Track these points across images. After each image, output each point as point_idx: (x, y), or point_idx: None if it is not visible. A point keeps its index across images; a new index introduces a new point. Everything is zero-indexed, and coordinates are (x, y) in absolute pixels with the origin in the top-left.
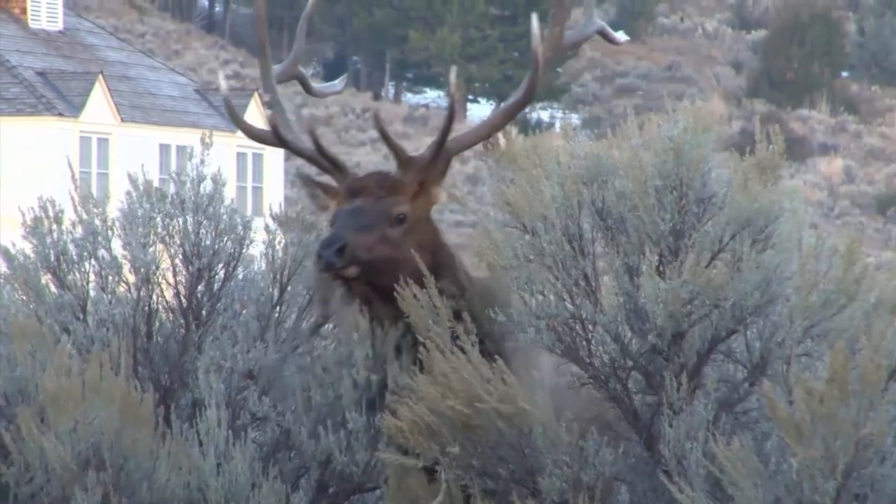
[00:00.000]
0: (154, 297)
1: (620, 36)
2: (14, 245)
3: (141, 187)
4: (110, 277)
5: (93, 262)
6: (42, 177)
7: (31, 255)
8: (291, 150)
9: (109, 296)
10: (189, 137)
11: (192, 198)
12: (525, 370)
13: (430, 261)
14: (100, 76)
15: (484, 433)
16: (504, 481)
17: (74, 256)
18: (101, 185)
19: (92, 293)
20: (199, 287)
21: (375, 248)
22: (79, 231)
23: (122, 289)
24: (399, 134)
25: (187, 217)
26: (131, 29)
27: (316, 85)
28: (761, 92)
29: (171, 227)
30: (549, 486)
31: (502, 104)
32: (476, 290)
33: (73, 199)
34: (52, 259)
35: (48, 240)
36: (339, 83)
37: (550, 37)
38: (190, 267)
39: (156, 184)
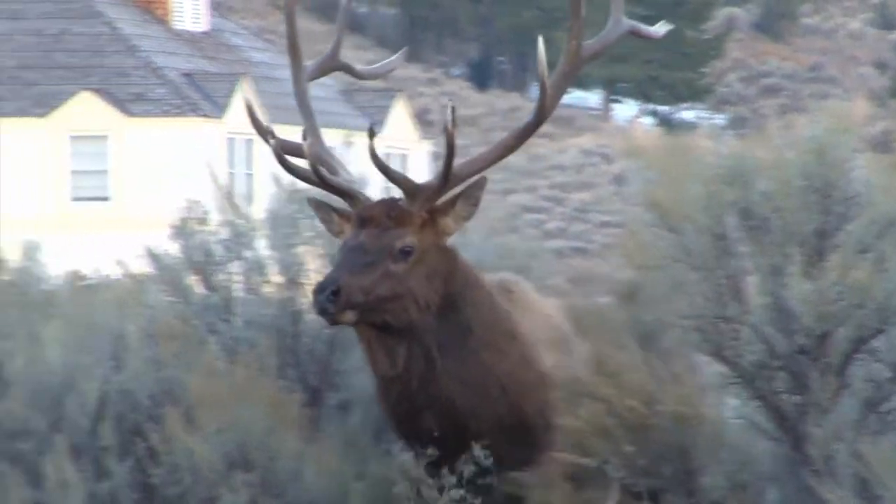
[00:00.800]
0: (300, 297)
1: (658, 29)
2: (160, 246)
3: (285, 188)
4: (256, 278)
5: (239, 262)
6: (188, 178)
7: (178, 256)
8: (300, 179)
9: (255, 296)
10: (333, 138)
11: (338, 199)
12: None
13: (442, 290)
14: (245, 77)
15: (657, 433)
16: (665, 480)
17: (220, 257)
18: (246, 186)
19: (238, 294)
20: None
21: (375, 288)
22: (225, 232)
23: (267, 289)
24: (544, 133)
25: None
26: (275, 30)
27: (363, 67)
28: None
29: (316, 229)
30: (709, 486)
31: (517, 126)
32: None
33: (218, 200)
34: (199, 260)
35: (194, 241)
36: (396, 59)
37: (568, 51)
38: None
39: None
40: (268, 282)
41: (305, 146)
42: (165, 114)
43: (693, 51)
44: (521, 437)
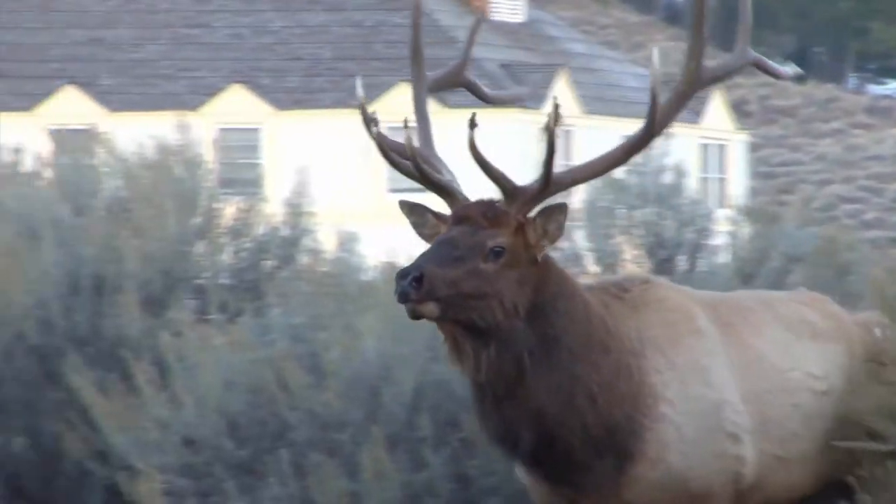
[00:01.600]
0: None
1: (787, 70)
2: None
3: (602, 179)
4: (573, 269)
5: (556, 253)
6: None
7: None
8: (402, 173)
9: None
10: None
11: (654, 189)
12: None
13: (531, 297)
14: (562, 68)
15: None
16: None
17: None
18: None
19: None
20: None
21: (460, 283)
22: None
23: (585, 280)
24: (862, 124)
25: (649, 208)
26: (593, 21)
27: (491, 91)
28: None
29: (632, 219)
30: None
31: (624, 141)
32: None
33: None
34: None
35: None
36: (525, 92)
37: (686, 71)
38: (652, 258)
39: (619, 175)
40: (585, 272)
41: (406, 142)
42: (481, 104)
43: None
44: (608, 447)
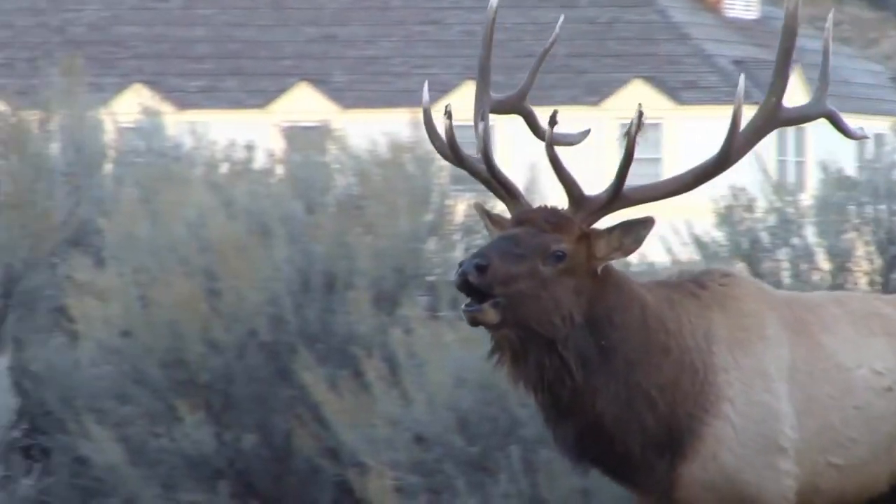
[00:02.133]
0: (849, 284)
1: (857, 131)
2: (707, 234)
3: (834, 175)
4: (804, 265)
5: (786, 249)
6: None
7: (724, 244)
8: (467, 169)
9: (803, 283)
10: (882, 125)
11: (886, 185)
12: None
13: (587, 309)
14: (795, 64)
15: None
16: None
17: (768, 244)
18: (796, 173)
19: (786, 281)
20: (894, 275)
21: (519, 282)
22: (772, 219)
23: (816, 276)
24: None
25: (881, 205)
26: (826, 17)
27: (547, 129)
28: None
29: (863, 215)
30: None
31: (697, 164)
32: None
33: (766, 187)
34: (745, 248)
35: (741, 228)
36: (578, 135)
37: (765, 106)
38: (883, 255)
39: (851, 172)
40: (816, 269)
41: (479, 136)
42: (715, 101)
43: None
44: (667, 445)
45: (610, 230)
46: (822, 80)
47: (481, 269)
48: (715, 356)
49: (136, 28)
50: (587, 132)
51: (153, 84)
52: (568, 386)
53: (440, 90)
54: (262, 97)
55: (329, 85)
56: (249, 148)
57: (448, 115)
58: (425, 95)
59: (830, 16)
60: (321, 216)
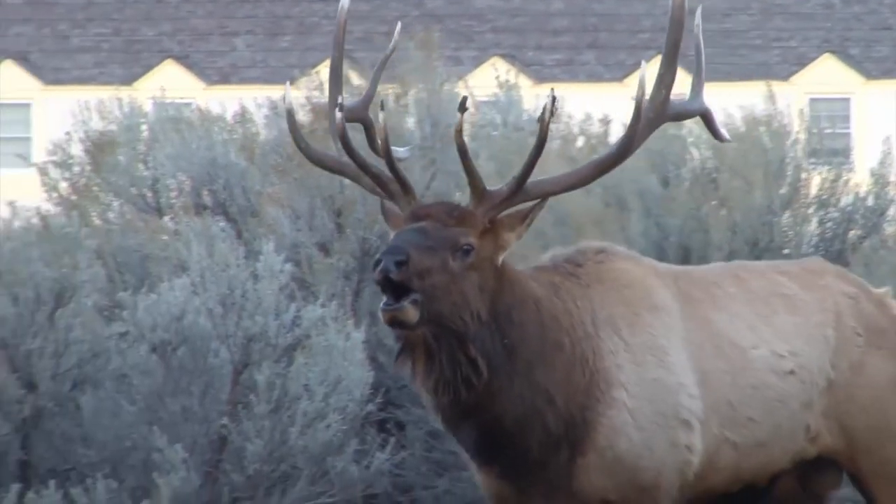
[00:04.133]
0: None
1: (725, 133)
2: None
3: None
4: None
5: None
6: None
7: None
8: (356, 162)
9: None
10: None
11: None
12: None
13: (490, 307)
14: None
15: None
16: None
17: None
18: None
19: None
20: None
21: (434, 275)
22: None
23: None
24: None
25: None
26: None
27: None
28: None
29: None
30: None
31: (593, 158)
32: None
33: None
34: None
35: None
36: (404, 151)
37: (656, 98)
38: None
39: None
40: None
41: (380, 125)
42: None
43: None
44: (563, 440)
45: (520, 221)
46: (697, 79)
47: (400, 263)
48: (602, 340)
49: (494, 1)
50: (409, 148)
51: (511, 58)
52: (474, 386)
53: (797, 63)
54: (619, 70)
55: (685, 58)
56: (605, 122)
57: (340, 108)
58: (288, 96)
59: (698, 11)
60: (676, 189)
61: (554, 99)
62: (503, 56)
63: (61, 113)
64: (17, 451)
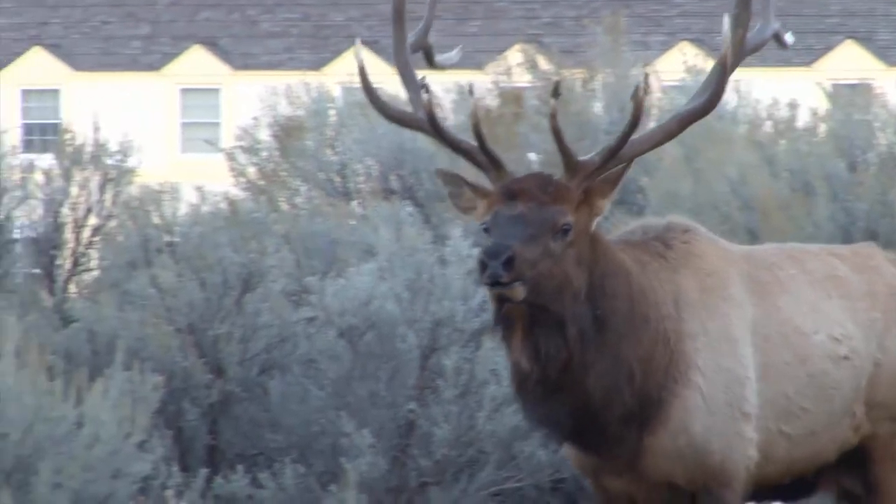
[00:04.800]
0: None
1: (788, 38)
2: None
3: None
4: None
5: None
6: None
7: None
8: (446, 141)
9: None
10: None
11: None
12: None
13: (587, 279)
14: None
15: None
16: None
17: None
18: None
19: None
20: None
21: (539, 263)
22: None
23: None
24: None
25: None
26: None
27: (438, 56)
28: None
29: None
30: None
31: (679, 110)
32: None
33: None
34: None
35: None
36: (454, 54)
37: (735, 40)
38: None
39: None
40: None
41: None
42: None
43: None
44: (637, 417)
45: (612, 186)
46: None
47: (507, 264)
48: (684, 323)
49: None
50: (459, 49)
51: (700, 42)
52: (567, 362)
53: None
54: (807, 55)
55: (874, 43)
56: (792, 106)
57: (426, 88)
58: (359, 55)
59: None
60: (863, 174)
61: (647, 76)
62: (691, 41)
63: (250, 98)
64: (204, 437)
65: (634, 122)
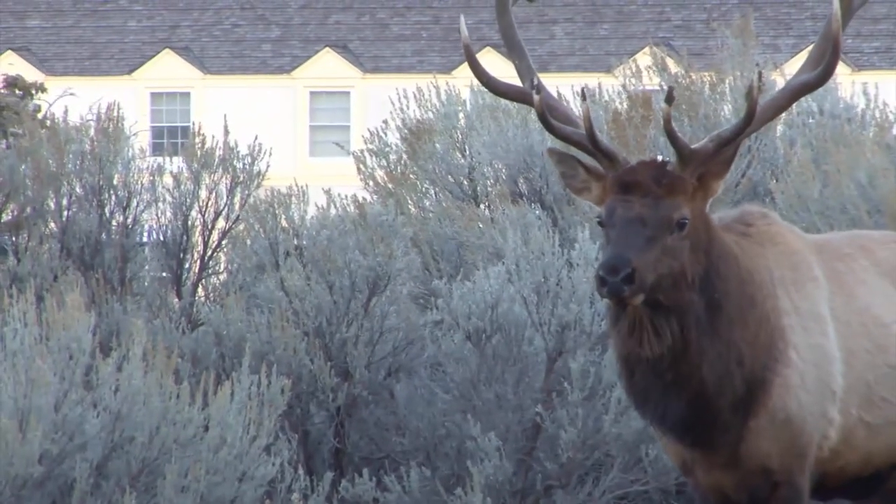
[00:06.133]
0: None
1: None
2: None
3: None
4: None
5: None
6: None
7: None
8: (557, 136)
9: None
10: None
11: None
12: None
13: (704, 264)
14: None
15: None
16: None
17: None
18: None
19: None
20: None
21: (659, 265)
22: None
23: None
24: None
25: None
26: None
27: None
28: None
29: None
30: None
31: (791, 83)
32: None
33: None
34: None
35: None
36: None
37: (836, 16)
38: None
39: None
40: None
41: (584, 110)
42: None
43: None
44: (743, 401)
45: (726, 166)
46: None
47: (627, 279)
48: (780, 300)
49: None
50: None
51: None
52: (678, 351)
53: None
54: None
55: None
56: None
57: (538, 90)
58: (463, 30)
59: None
60: None
61: (760, 74)
62: None
63: (379, 101)
64: (330, 440)
65: (748, 120)
